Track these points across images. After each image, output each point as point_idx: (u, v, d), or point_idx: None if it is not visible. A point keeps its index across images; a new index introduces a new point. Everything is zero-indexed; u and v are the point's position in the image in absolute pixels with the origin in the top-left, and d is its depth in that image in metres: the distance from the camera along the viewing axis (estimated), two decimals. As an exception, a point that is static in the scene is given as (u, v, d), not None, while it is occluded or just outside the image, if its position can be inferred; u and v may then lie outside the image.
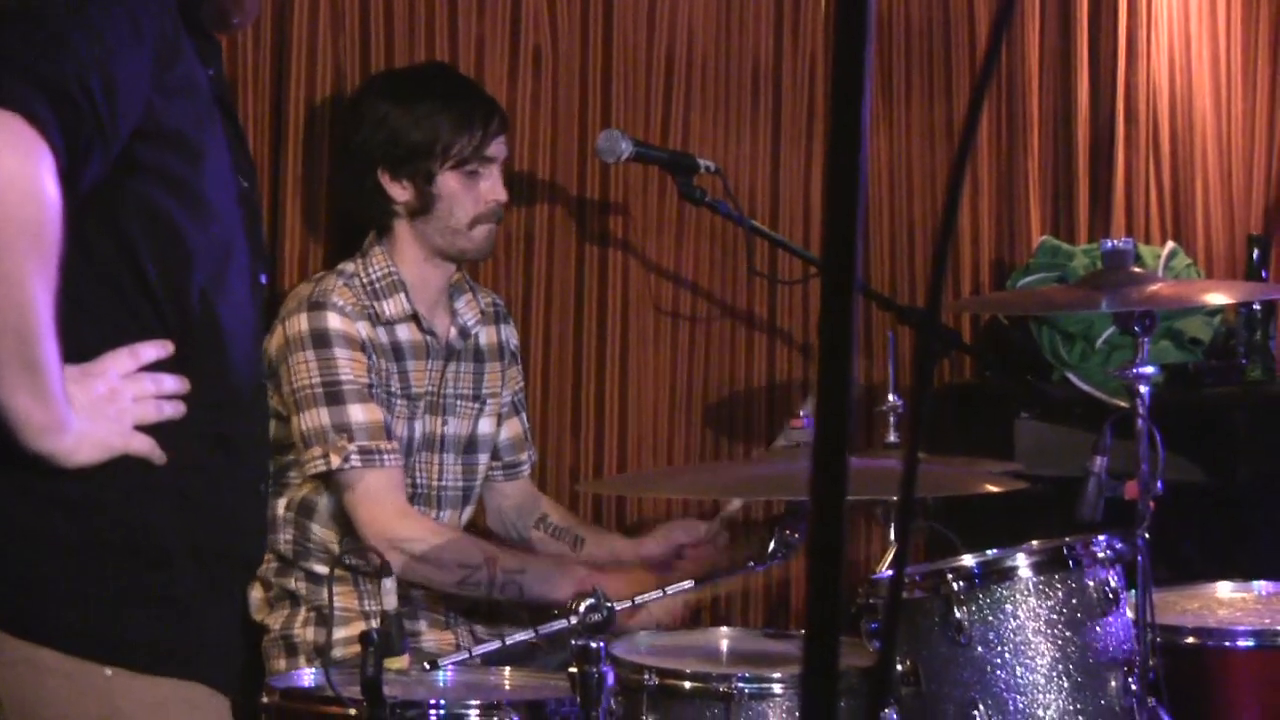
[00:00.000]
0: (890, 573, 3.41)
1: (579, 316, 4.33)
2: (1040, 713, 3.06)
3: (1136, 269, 3.65)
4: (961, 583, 3.08)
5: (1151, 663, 3.27)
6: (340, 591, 3.68)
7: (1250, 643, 3.50)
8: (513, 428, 3.97)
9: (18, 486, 2.47)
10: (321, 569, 3.67)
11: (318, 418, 3.61)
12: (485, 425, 3.90)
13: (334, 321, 3.65)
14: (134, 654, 2.51)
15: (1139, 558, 3.30)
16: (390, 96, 3.80)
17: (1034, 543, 3.22)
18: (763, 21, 4.51)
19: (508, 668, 3.21)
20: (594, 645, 2.74)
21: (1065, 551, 3.15)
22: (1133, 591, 3.29)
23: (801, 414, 3.58)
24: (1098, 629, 3.12)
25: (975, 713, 3.05)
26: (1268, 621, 3.62)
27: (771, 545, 3.13)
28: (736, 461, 4.38)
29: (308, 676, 3.13)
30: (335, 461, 3.60)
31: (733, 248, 4.43)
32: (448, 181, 3.76)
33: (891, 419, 3.68)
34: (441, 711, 2.91)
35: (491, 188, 3.78)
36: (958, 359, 4.69)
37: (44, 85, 2.31)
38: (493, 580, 3.62)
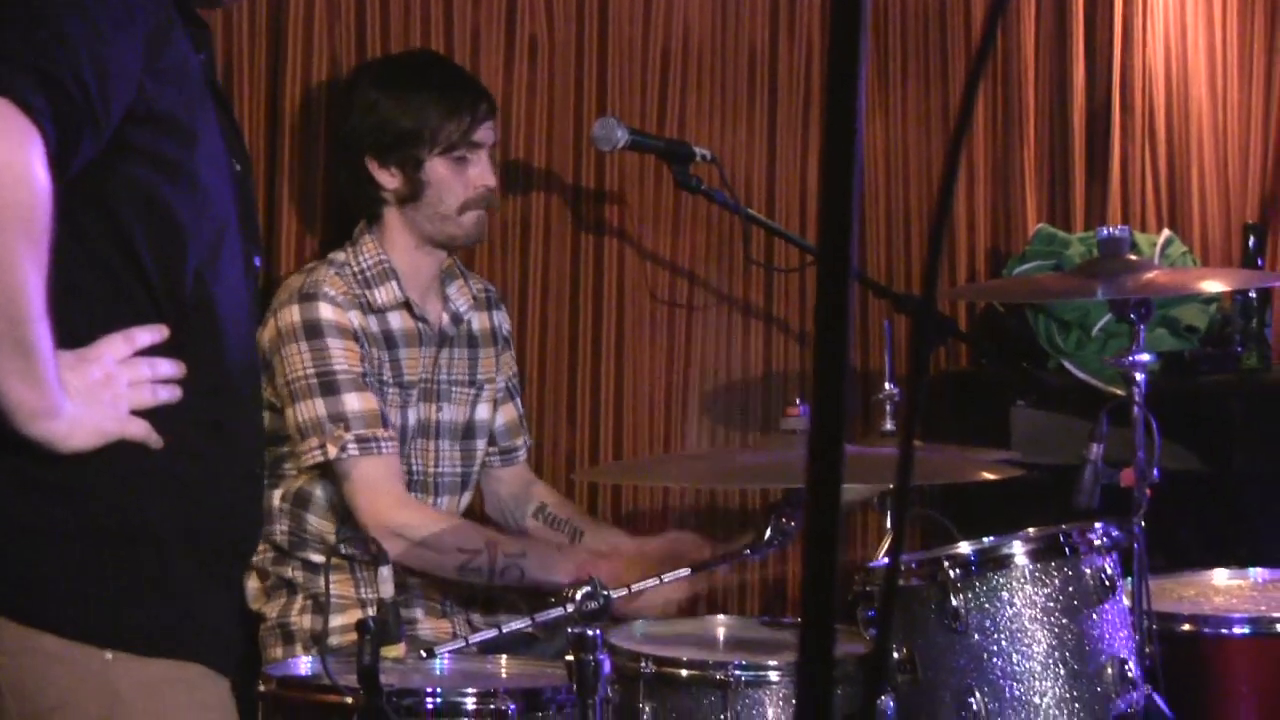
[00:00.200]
0: (886, 560, 3.41)
1: (575, 305, 4.33)
2: (1036, 700, 3.06)
3: (1132, 257, 3.65)
4: (958, 570, 3.08)
5: (1148, 650, 3.28)
6: (337, 579, 3.68)
7: (1246, 630, 3.51)
8: (508, 413, 3.97)
9: (13, 473, 2.47)
10: (318, 558, 3.67)
11: (313, 408, 3.61)
12: (482, 411, 3.90)
13: (326, 312, 3.65)
14: (133, 637, 2.51)
15: (1135, 545, 3.30)
16: (379, 84, 3.79)
17: (1030, 530, 3.23)
18: (759, 9, 4.51)
19: (504, 656, 3.21)
20: (591, 633, 2.74)
21: (1061, 539, 3.15)
22: (1129, 579, 3.29)
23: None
24: (1094, 617, 3.12)
25: (971, 700, 3.05)
26: (1264, 608, 3.62)
27: (768, 533, 3.12)
28: (733, 449, 4.38)
29: (304, 664, 3.13)
30: (332, 451, 3.60)
31: (729, 236, 4.43)
32: (436, 168, 3.75)
33: (888, 407, 3.69)
34: (438, 700, 2.91)
35: (480, 173, 3.77)
36: (954, 347, 4.69)
37: (35, 70, 2.31)
38: (494, 565, 3.62)
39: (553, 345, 4.31)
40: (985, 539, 3.21)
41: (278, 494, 3.70)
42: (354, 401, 3.62)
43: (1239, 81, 5.13)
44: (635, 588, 3.09)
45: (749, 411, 4.51)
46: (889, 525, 3.62)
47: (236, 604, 2.83)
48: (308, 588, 3.70)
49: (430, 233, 3.77)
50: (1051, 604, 3.10)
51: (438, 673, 3.13)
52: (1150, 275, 3.61)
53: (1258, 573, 3.84)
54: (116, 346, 2.49)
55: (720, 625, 3.49)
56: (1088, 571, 3.13)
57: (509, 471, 4.00)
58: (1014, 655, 3.07)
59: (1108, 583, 3.14)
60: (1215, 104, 5.09)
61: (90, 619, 2.50)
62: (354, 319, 3.67)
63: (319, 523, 3.68)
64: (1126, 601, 3.24)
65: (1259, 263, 4.73)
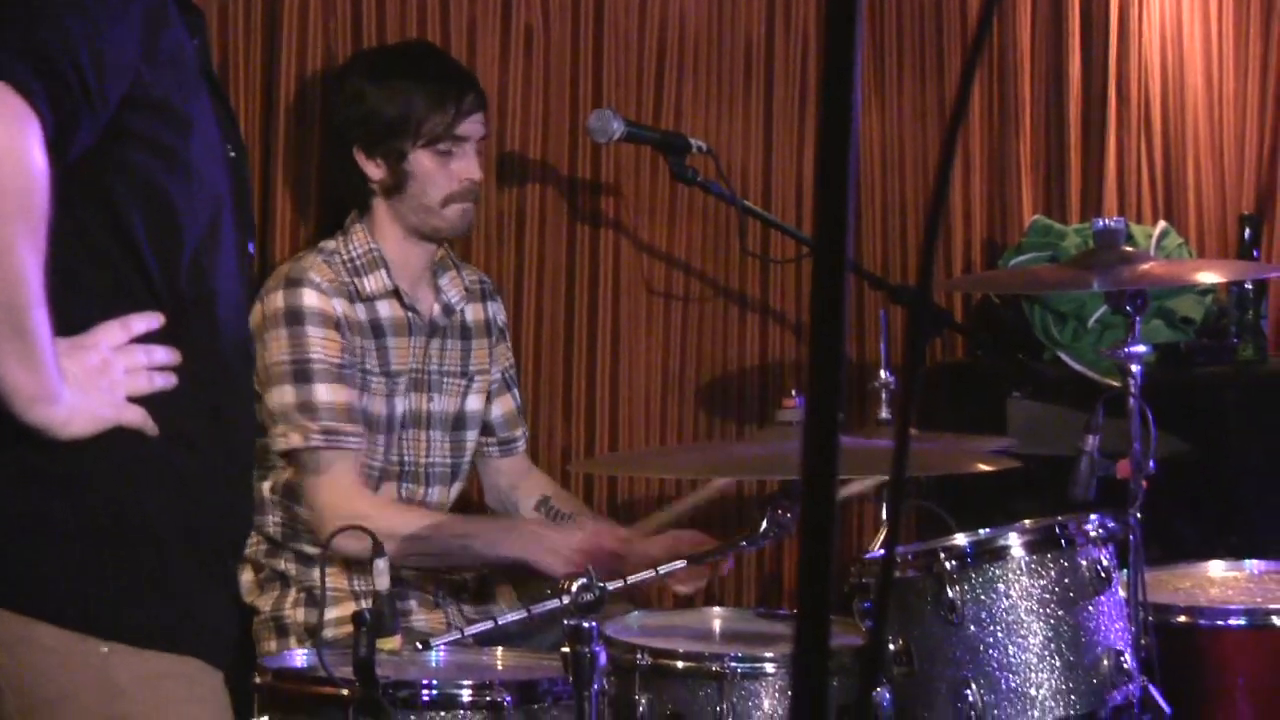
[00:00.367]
0: (882, 552, 3.41)
1: (570, 296, 4.33)
2: (1033, 692, 3.06)
3: (1128, 248, 3.65)
4: (954, 562, 3.08)
5: (1144, 642, 3.28)
6: (331, 571, 3.67)
7: (1242, 621, 3.51)
8: (505, 404, 3.97)
9: (10, 463, 2.46)
10: (311, 549, 3.67)
11: (285, 395, 3.61)
12: (473, 402, 3.89)
13: (309, 299, 3.63)
14: (130, 630, 2.51)
15: (1131, 537, 3.30)
16: (368, 74, 3.78)
17: (1026, 522, 3.23)
18: (755, 1, 4.50)
19: (500, 648, 3.21)
20: (586, 625, 2.74)
21: (1058, 531, 3.15)
22: (1125, 570, 3.29)
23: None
24: (1090, 608, 3.12)
25: (967, 692, 3.05)
26: (1260, 600, 3.62)
27: (764, 524, 3.12)
28: (728, 441, 4.38)
29: (300, 657, 3.13)
30: (296, 440, 3.59)
31: (725, 228, 4.43)
32: (420, 160, 3.73)
33: (883, 394, 3.68)
34: (434, 692, 2.91)
35: (465, 167, 3.75)
36: (949, 338, 4.68)
37: (32, 55, 2.31)
38: (446, 547, 3.61)
39: (548, 337, 4.31)
40: (981, 530, 3.22)
41: (267, 485, 3.69)
42: (325, 393, 3.61)
43: (1234, 73, 5.13)
44: (631, 580, 3.09)
45: (745, 403, 4.51)
46: (884, 517, 3.62)
47: (232, 594, 2.83)
48: (301, 580, 3.70)
49: (415, 224, 3.76)
50: (1047, 595, 3.10)
51: (433, 665, 3.13)
52: (1146, 267, 3.61)
53: (1254, 564, 3.84)
54: (113, 333, 2.49)
55: (716, 617, 3.49)
56: (1083, 563, 3.13)
57: (508, 462, 4.00)
58: (1010, 647, 3.07)
59: (1104, 574, 3.14)
60: (1211, 95, 5.09)
61: (87, 610, 2.49)
62: (338, 306, 3.66)
63: (309, 514, 3.68)
64: (1122, 593, 3.24)
65: (1254, 254, 4.73)
